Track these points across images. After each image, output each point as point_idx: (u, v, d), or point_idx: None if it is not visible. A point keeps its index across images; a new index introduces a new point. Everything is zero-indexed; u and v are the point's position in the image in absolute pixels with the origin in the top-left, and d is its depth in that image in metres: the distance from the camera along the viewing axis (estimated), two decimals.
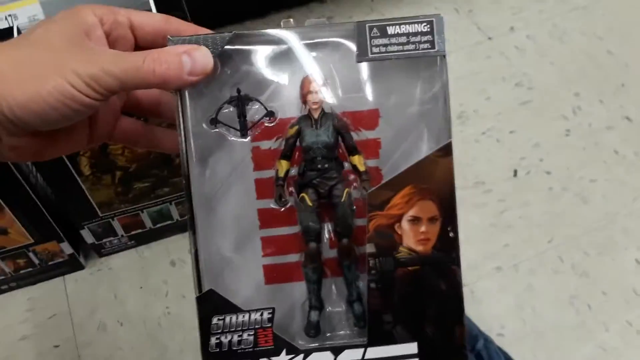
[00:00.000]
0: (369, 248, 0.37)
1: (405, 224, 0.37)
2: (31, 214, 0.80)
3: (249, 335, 0.37)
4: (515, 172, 1.06)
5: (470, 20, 1.27)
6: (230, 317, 0.37)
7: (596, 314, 0.91)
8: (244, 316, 0.37)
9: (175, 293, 0.93)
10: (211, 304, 0.37)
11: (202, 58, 0.34)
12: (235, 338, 0.37)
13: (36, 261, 0.89)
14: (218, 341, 0.37)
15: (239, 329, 0.37)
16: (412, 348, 0.37)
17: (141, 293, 0.93)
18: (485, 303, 0.92)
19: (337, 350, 0.37)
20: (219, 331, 0.37)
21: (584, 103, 1.15)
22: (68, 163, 0.75)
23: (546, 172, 1.06)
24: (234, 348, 0.37)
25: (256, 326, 0.37)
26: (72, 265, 0.93)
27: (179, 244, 0.97)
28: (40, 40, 0.33)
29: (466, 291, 0.92)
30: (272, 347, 0.37)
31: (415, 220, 0.37)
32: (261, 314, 0.37)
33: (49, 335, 0.89)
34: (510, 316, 0.91)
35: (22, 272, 0.90)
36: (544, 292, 0.93)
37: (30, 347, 0.88)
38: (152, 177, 0.83)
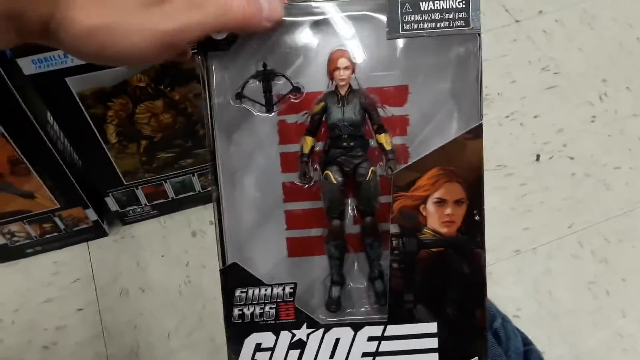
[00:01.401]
0: (393, 229, 0.37)
1: (430, 205, 0.37)
2: (57, 179, 0.82)
3: (270, 308, 0.37)
4: (538, 156, 1.06)
5: (497, 2, 1.26)
6: (253, 290, 0.37)
7: (614, 301, 0.91)
8: (266, 290, 0.37)
9: (195, 263, 0.94)
10: (235, 277, 0.37)
11: (277, 4, 0.33)
12: (258, 310, 0.37)
13: (61, 226, 0.91)
14: (240, 312, 0.37)
15: (261, 301, 0.37)
16: (431, 327, 0.37)
17: (162, 262, 0.95)
18: (503, 285, 0.92)
19: (357, 327, 0.37)
20: (242, 303, 0.37)
21: (610, 90, 1.14)
22: (95, 130, 0.76)
23: (569, 157, 1.06)
24: (256, 320, 0.37)
25: (278, 300, 0.37)
26: (96, 232, 0.95)
27: (200, 215, 0.99)
28: None
29: None
30: (294, 320, 0.37)
31: (441, 202, 0.37)
32: (283, 289, 0.37)
33: (73, 298, 0.91)
34: (527, 299, 0.91)
35: (47, 236, 0.92)
36: (561, 277, 0.93)
37: (55, 309, 0.91)
38: (176, 147, 0.84)
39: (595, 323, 0.89)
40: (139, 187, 0.90)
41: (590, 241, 0.96)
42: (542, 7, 1.25)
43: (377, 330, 0.37)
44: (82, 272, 0.94)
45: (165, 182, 0.91)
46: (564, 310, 0.90)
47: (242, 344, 0.37)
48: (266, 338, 0.37)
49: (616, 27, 1.24)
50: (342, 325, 0.38)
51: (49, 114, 0.77)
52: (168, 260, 0.95)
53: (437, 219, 0.37)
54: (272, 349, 0.37)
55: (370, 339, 0.37)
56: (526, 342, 0.71)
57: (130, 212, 0.95)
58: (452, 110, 0.37)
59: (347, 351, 0.37)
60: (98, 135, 0.77)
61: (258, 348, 0.37)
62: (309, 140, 0.37)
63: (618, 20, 1.25)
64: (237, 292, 0.37)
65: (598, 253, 0.95)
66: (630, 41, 1.21)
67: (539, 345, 0.87)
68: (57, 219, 0.89)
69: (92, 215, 0.91)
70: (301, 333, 0.37)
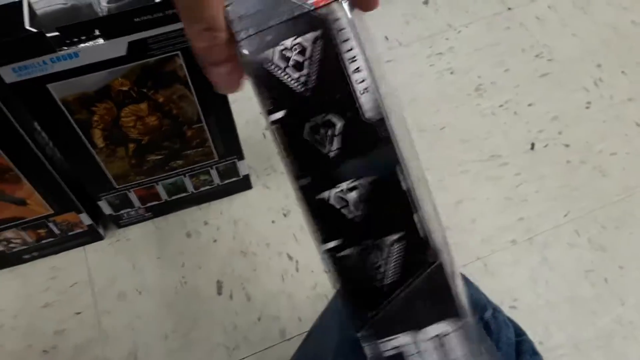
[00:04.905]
0: None
1: None
2: (48, 185, 0.83)
3: None
4: (533, 145, 1.05)
5: None
6: None
7: (612, 288, 0.90)
8: None
9: (191, 264, 0.95)
10: None
11: (230, 82, 0.31)
12: None
13: (57, 231, 0.92)
14: None
15: None
16: None
17: (158, 263, 0.95)
18: (499, 276, 0.92)
19: None
20: None
21: (605, 75, 1.12)
22: (82, 135, 0.77)
23: (565, 145, 1.05)
24: None
25: None
26: (92, 236, 0.96)
27: (195, 215, 0.99)
28: None
29: (480, 264, 0.93)
30: None
31: None
32: None
33: (71, 302, 0.92)
34: (524, 289, 0.91)
35: (43, 242, 0.93)
36: (558, 266, 0.92)
37: (53, 313, 0.91)
38: (164, 149, 0.84)
39: (593, 311, 0.89)
40: (131, 190, 0.90)
41: (587, 229, 0.95)
42: None
43: None
44: (79, 276, 0.95)
45: (157, 184, 0.91)
46: (562, 299, 0.90)
47: None
48: None
49: (611, 11, 1.22)
50: None
51: (35, 121, 0.77)
52: (164, 261, 0.95)
53: None
54: None
55: None
56: (519, 332, 0.70)
57: (125, 215, 0.95)
58: None
59: None
60: (85, 140, 0.78)
61: None
62: None
63: (612, 4, 1.24)
64: None
65: (595, 241, 0.94)
66: (625, 25, 1.20)
67: (536, 335, 0.87)
68: (51, 225, 0.90)
69: (86, 219, 0.91)
70: None
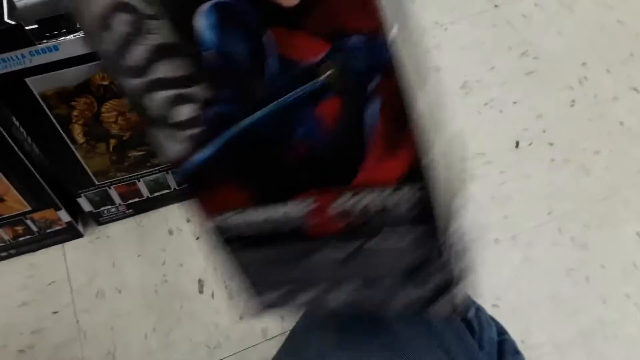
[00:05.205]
0: None
1: None
2: (26, 181, 0.81)
3: None
4: (517, 143, 1.05)
5: None
6: None
7: (594, 287, 0.90)
8: None
9: (172, 261, 0.93)
10: None
11: None
12: None
13: (34, 229, 0.90)
14: None
15: None
16: None
17: (139, 261, 0.94)
18: (481, 275, 0.91)
19: None
20: None
21: (590, 73, 1.13)
22: (61, 131, 0.75)
23: (549, 143, 1.05)
24: None
25: None
26: (71, 233, 0.94)
27: (177, 212, 0.98)
28: None
29: None
30: None
31: None
32: None
33: (48, 301, 0.90)
34: (506, 288, 0.91)
35: (20, 239, 0.91)
36: (541, 264, 0.92)
37: (30, 312, 0.90)
38: (146, 145, 0.83)
39: (575, 310, 0.89)
40: (112, 186, 0.89)
41: (570, 227, 0.96)
42: None
43: None
44: (57, 274, 0.93)
45: (139, 181, 0.90)
46: (544, 298, 0.90)
47: None
48: None
49: (596, 10, 1.22)
50: None
51: (13, 116, 0.75)
52: (144, 259, 0.94)
53: None
54: None
55: None
56: (500, 331, 0.70)
57: (105, 212, 0.94)
58: None
59: None
60: (64, 135, 0.76)
61: None
62: None
63: (598, 3, 1.24)
64: None
65: (578, 239, 0.95)
66: (611, 23, 1.20)
67: (518, 334, 0.87)
68: (29, 222, 0.88)
69: (64, 216, 0.90)
70: None
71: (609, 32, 1.18)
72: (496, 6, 1.23)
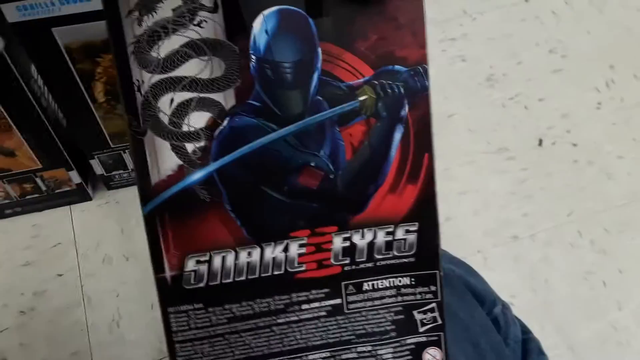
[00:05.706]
0: None
1: None
2: (40, 137, 0.78)
3: None
4: (541, 141, 1.03)
5: None
6: None
7: (610, 292, 0.89)
8: None
9: None
10: None
11: None
12: None
13: (43, 187, 0.87)
14: None
15: None
16: None
17: None
18: (498, 271, 0.90)
19: None
20: None
21: (618, 77, 1.11)
22: (82, 87, 0.72)
23: (572, 144, 1.03)
24: None
25: None
26: (80, 196, 0.91)
27: None
28: None
29: (479, 258, 0.90)
30: None
31: None
32: None
33: (53, 263, 0.88)
34: (522, 286, 0.89)
35: (28, 197, 0.88)
36: (559, 265, 0.91)
37: (33, 273, 0.87)
38: None
39: (590, 314, 0.87)
40: (126, 150, 0.86)
41: (590, 230, 0.94)
42: None
43: None
44: (63, 236, 0.90)
45: None
46: (559, 299, 0.88)
47: None
48: None
49: (625, 12, 1.20)
50: None
51: (33, 67, 0.72)
52: None
53: None
54: None
55: None
56: (524, 330, 0.68)
57: (117, 176, 0.91)
58: None
59: None
60: (85, 92, 0.73)
61: None
62: None
63: (627, 7, 1.21)
64: None
65: (597, 243, 0.93)
66: (639, 27, 1.18)
67: None
68: (38, 180, 0.85)
69: (75, 177, 0.87)
70: None
71: (637, 36, 1.16)
72: (527, 0, 1.20)
